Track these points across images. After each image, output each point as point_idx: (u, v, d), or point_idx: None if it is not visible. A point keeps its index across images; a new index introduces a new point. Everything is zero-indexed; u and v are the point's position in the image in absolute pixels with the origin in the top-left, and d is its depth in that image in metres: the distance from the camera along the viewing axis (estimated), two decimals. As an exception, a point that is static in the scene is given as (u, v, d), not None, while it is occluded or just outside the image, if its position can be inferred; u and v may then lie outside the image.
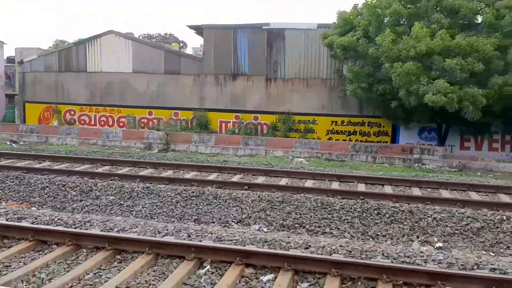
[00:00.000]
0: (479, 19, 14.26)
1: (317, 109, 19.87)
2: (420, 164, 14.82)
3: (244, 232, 5.90)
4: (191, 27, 21.58)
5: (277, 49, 20.09)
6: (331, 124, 19.91)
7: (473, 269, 4.76)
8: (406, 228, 6.92)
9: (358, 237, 6.68)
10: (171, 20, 76.14)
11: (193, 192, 8.27)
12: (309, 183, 9.59)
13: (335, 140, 19.37)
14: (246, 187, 8.75)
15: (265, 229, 6.97)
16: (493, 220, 6.87)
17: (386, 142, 19.05)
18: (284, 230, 6.95)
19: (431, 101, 12.77)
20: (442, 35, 12.94)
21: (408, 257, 5.11)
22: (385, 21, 14.78)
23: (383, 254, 5.14)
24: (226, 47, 20.57)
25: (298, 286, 4.43)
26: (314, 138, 19.27)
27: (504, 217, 6.91)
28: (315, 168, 12.17)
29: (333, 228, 6.96)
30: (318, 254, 5.05)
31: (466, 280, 4.43)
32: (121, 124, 22.16)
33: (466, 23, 14.09)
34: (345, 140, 19.10)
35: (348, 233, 6.81)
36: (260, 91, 20.48)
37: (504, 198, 8.67)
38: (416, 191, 9.03)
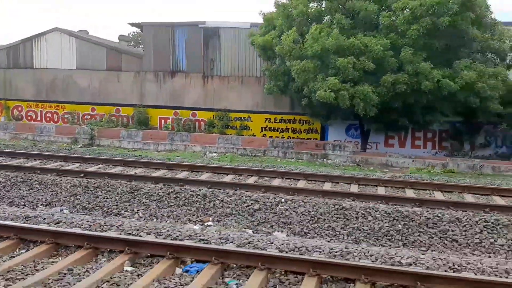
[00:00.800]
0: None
1: (251, 106, 20.29)
2: (325, 159, 15.25)
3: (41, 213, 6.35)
4: (133, 24, 22.00)
5: (213, 47, 20.50)
6: (265, 121, 20.33)
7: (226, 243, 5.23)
8: (192, 210, 7.39)
9: (146, 218, 7.14)
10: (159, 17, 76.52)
11: (21, 178, 8.74)
12: (147, 171, 10.20)
13: (269, 137, 19.77)
14: (82, 175, 9.28)
15: (65, 211, 7.43)
16: (272, 203, 7.32)
17: (316, 139, 19.46)
18: (84, 212, 7.41)
19: (321, 97, 13.21)
20: (335, 35, 13.35)
21: (175, 234, 5.53)
22: (294, 21, 15.16)
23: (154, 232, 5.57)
24: (165, 44, 20.99)
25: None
26: (249, 135, 19.72)
27: (283, 200, 7.38)
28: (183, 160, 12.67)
29: (128, 210, 7.41)
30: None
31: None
32: (66, 120, 22.58)
33: (367, 24, 14.46)
34: (277, 137, 19.51)
35: (139, 214, 7.26)
36: (197, 88, 20.91)
37: (300, 184, 9.29)
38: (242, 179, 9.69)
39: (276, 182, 9.62)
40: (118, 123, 21.40)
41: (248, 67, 20.18)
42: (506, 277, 4.53)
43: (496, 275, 4.58)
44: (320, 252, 5.04)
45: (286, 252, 5.02)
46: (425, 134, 18.44)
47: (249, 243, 5.24)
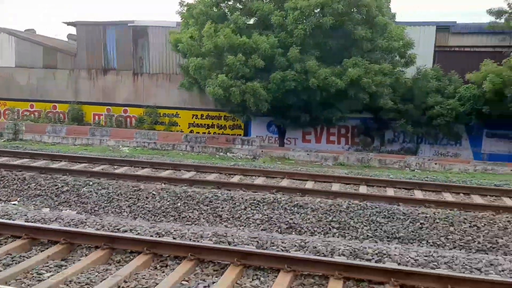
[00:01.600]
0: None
1: (179, 103, 20.97)
2: (228, 153, 15.96)
3: None
4: (68, 23, 22.62)
5: (142, 45, 21.17)
6: (192, 118, 21.03)
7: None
8: (9, 191, 8.09)
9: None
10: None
11: None
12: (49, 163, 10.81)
13: (196, 133, 20.46)
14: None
15: None
16: (80, 185, 8.02)
17: (240, 134, 20.18)
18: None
19: (210, 94, 13.93)
20: (227, 33, 14.05)
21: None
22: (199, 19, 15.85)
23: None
24: (97, 43, 21.64)
25: None
26: (178, 131, 20.43)
27: (91, 182, 8.05)
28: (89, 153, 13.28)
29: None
30: None
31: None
32: (7, 116, 23.18)
33: (264, 23, 15.17)
34: (204, 133, 20.22)
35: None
36: (128, 85, 21.58)
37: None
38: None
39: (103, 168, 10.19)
40: (54, 119, 22.04)
41: (174, 65, 20.83)
42: (248, 245, 5.14)
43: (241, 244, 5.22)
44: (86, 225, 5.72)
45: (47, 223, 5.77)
46: (339, 130, 19.18)
47: (42, 219, 5.90)
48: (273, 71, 14.36)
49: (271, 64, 14.35)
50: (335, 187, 9.41)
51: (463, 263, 4.94)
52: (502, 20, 16.08)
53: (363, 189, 9.23)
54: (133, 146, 16.96)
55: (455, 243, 6.79)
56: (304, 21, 14.11)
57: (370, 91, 14.56)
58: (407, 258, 4.98)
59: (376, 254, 5.08)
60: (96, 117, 22.04)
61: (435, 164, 14.38)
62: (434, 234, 6.96)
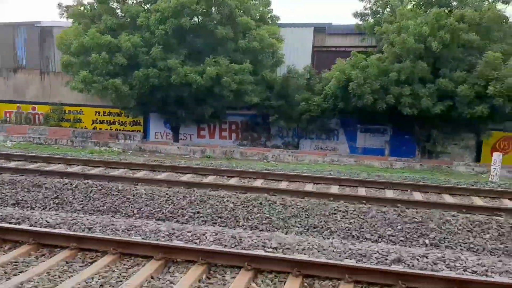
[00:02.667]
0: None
1: (82, 100, 21.65)
2: (104, 147, 16.80)
3: None
4: (-18, 23, 23.23)
5: (48, 45, 21.90)
6: (95, 115, 21.80)
7: None
8: None
9: None
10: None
11: None
12: None
13: (99, 129, 21.26)
14: None
15: None
16: None
17: (139, 131, 21.03)
18: None
19: (72, 88, 14.90)
20: (92, 33, 14.90)
21: None
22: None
23: None
24: (8, 43, 22.32)
25: None
26: (82, 127, 21.19)
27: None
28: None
29: None
30: None
31: None
32: None
33: (133, 24, 16.03)
34: (106, 129, 21.02)
35: None
36: (36, 83, 22.28)
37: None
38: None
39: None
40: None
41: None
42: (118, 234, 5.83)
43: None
44: None
45: None
46: (230, 125, 20.14)
47: None
48: (136, 68, 15.24)
49: (135, 62, 15.21)
50: (163, 175, 10.19)
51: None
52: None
53: (185, 177, 10.05)
54: (19, 141, 17.68)
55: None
56: (166, 21, 14.99)
57: (232, 89, 15.48)
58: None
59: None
60: (7, 114, 22.69)
61: (289, 156, 15.39)
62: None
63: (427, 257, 5.06)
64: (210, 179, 10.04)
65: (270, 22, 18.25)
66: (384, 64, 14.27)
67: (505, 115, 14.51)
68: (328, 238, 6.77)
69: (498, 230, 7.02)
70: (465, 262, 4.96)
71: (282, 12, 49.26)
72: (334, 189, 9.41)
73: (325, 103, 16.70)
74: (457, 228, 7.01)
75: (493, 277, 4.60)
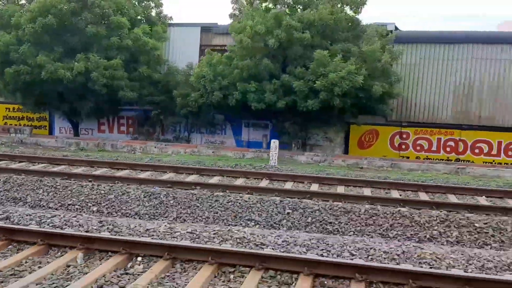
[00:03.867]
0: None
1: (-6, 97, 22.60)
2: (-12, 140, 17.73)
3: None
4: None
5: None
6: (6, 111, 22.71)
7: None
8: None
9: None
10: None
11: None
12: None
13: (9, 124, 22.15)
14: None
15: None
16: None
17: (46, 126, 21.98)
18: None
19: None
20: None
21: None
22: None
23: None
24: None
25: None
26: (-6, 123, 22.12)
27: None
28: None
29: None
30: None
31: None
32: None
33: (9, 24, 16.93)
34: (16, 125, 21.93)
35: None
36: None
37: None
38: None
39: None
40: None
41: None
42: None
43: None
44: None
45: None
46: (127, 120, 21.08)
47: None
48: (9, 65, 16.16)
49: (8, 59, 16.13)
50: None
51: None
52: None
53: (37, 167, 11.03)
54: None
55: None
56: (36, 20, 15.91)
57: (103, 84, 16.39)
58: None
59: None
60: None
61: (155, 148, 16.35)
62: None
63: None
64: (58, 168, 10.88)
65: (159, 22, 19.26)
66: (234, 62, 15.23)
67: (366, 110, 15.67)
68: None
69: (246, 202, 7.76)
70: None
71: (186, 11, 50.86)
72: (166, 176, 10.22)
73: (202, 98, 17.63)
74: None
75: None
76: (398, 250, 4.66)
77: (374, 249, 4.62)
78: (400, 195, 8.73)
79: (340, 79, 13.58)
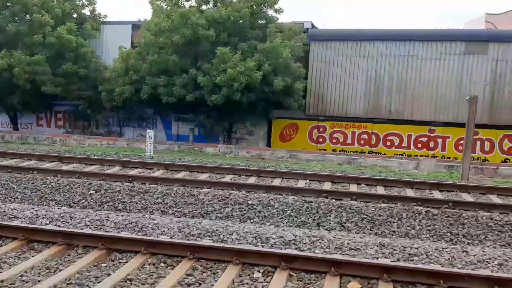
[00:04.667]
0: None
1: None
2: None
3: None
4: None
5: None
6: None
7: None
8: None
9: None
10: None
11: None
12: None
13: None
14: None
15: None
16: None
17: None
18: None
19: None
20: None
21: None
22: None
23: None
24: None
25: None
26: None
27: None
28: None
29: None
30: None
31: None
32: None
33: None
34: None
35: None
36: None
37: None
38: None
39: None
40: None
41: None
42: None
43: None
44: None
45: None
46: (64, 115, 21.71)
47: None
48: None
49: None
50: None
51: None
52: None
53: None
54: None
55: None
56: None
57: (24, 79, 17.01)
58: None
59: None
60: None
61: (73, 140, 17.01)
62: None
63: None
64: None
65: (90, 19, 19.93)
66: (148, 58, 15.94)
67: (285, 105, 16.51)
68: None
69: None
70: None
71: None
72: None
73: (124, 93, 18.32)
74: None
75: None
76: (132, 220, 5.42)
77: (107, 220, 5.38)
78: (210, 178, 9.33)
79: (239, 75, 14.33)
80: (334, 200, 7.47)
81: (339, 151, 17.86)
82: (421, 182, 9.58)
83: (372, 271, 4.12)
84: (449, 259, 4.78)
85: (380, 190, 8.96)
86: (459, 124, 17.25)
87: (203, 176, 9.50)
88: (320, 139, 18.86)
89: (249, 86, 14.96)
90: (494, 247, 6.06)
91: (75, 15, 19.90)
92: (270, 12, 17.42)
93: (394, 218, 6.97)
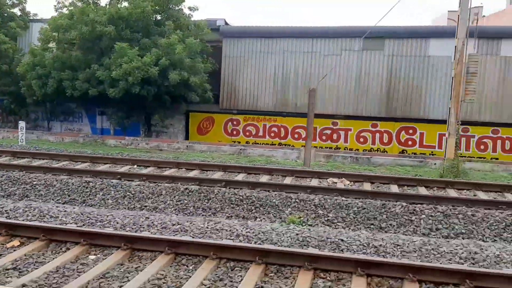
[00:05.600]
0: None
1: None
2: None
3: None
4: None
5: None
6: None
7: None
8: None
9: None
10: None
11: None
12: None
13: None
14: None
15: None
16: None
17: None
18: None
19: None
20: None
21: None
22: None
23: None
24: None
25: None
26: None
27: None
28: None
29: None
30: None
31: None
32: None
33: None
34: None
35: None
36: None
37: None
38: None
39: None
40: None
41: None
42: None
43: None
44: None
45: None
46: (-2, 109, 22.42)
47: None
48: None
49: None
50: None
51: None
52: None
53: None
54: None
55: None
56: None
57: None
58: None
59: None
60: None
61: (-11, 133, 17.76)
62: None
63: None
64: None
65: (19, 18, 20.66)
66: (57, 53, 16.68)
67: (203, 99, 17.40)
68: None
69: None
70: None
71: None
72: None
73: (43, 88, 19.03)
74: None
75: None
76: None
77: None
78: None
79: (134, 69, 15.09)
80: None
81: (252, 144, 18.73)
82: (254, 168, 10.44)
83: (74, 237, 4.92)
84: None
85: (218, 175, 9.78)
86: (359, 117, 18.27)
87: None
88: (234, 132, 19.67)
89: (148, 80, 15.73)
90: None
91: (6, 14, 20.61)
92: (186, 10, 18.32)
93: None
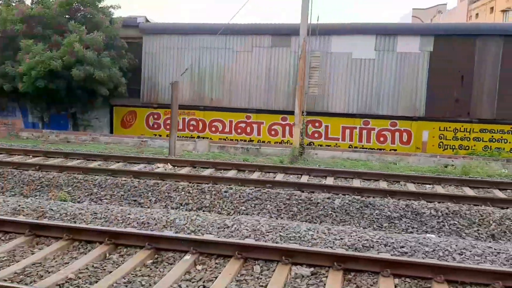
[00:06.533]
0: None
1: None
2: None
3: None
4: None
5: None
6: None
7: None
8: None
9: None
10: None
11: None
12: None
13: None
14: None
15: None
16: None
17: None
18: None
19: None
20: None
21: None
22: None
23: None
24: None
25: None
26: None
27: None
28: None
29: None
30: None
31: None
32: None
33: None
34: None
35: None
36: None
37: None
38: None
39: None
40: None
41: None
42: None
43: None
44: None
45: None
46: None
47: None
48: None
49: None
50: None
51: None
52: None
53: None
54: None
55: None
56: None
57: None
58: None
59: None
60: None
61: None
62: None
63: None
64: None
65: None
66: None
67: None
68: None
69: None
70: None
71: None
72: None
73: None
74: None
75: None
76: None
77: None
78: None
79: (38, 64, 15.85)
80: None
81: (166, 136, 19.45)
82: (142, 158, 11.28)
83: None
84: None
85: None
86: (270, 111, 19.03)
87: None
88: (155, 126, 20.42)
89: (57, 74, 16.48)
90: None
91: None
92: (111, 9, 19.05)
93: None
